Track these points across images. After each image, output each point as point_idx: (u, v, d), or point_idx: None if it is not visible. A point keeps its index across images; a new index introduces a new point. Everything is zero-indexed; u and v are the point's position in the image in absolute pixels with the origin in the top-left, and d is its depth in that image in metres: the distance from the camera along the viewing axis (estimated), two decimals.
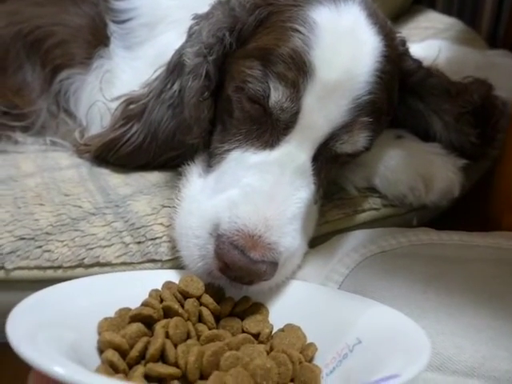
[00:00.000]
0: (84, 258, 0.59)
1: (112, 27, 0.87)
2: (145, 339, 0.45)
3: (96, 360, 0.44)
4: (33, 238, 0.60)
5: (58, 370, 0.35)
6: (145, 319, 0.48)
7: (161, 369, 0.43)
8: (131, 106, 0.74)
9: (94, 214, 0.64)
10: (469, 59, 0.95)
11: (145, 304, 0.50)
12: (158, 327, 0.46)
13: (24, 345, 0.38)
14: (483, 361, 0.47)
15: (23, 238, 0.60)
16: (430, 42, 1.02)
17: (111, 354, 0.43)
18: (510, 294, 0.53)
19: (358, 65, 0.57)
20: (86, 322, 0.46)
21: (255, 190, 0.55)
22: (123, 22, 0.87)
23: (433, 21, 1.26)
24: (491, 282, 0.55)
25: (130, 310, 0.49)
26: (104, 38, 0.87)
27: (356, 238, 0.63)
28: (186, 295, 0.52)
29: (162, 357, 0.45)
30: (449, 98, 0.69)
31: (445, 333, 0.49)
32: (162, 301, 0.51)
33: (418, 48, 0.91)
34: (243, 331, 0.51)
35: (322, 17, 0.57)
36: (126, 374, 0.43)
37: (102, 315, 0.48)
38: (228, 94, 0.62)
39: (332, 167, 0.62)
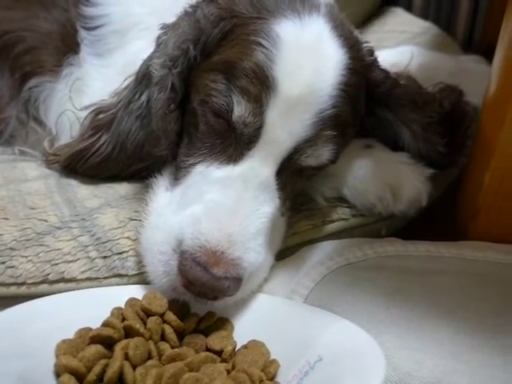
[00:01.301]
0: (48, 274, 0.59)
1: (82, 34, 0.86)
2: (103, 362, 0.45)
3: None
4: None
5: None
6: (105, 340, 0.47)
7: None
8: (100, 116, 0.73)
9: (59, 228, 0.64)
10: (441, 65, 0.95)
11: (105, 324, 0.49)
12: (118, 348, 0.46)
13: None
14: (442, 376, 0.47)
15: None
16: (403, 48, 1.02)
17: (67, 379, 0.43)
18: (473, 306, 0.54)
19: (321, 79, 0.57)
20: (44, 346, 0.46)
21: (218, 205, 0.55)
22: (94, 28, 0.86)
23: (409, 24, 1.26)
24: (455, 294, 0.56)
25: (90, 329, 0.49)
26: (74, 45, 0.85)
27: (323, 249, 0.64)
28: (148, 313, 0.52)
29: (121, 379, 0.44)
30: (416, 108, 0.69)
31: (405, 348, 0.50)
32: (124, 319, 0.51)
33: (390, 54, 0.91)
34: (207, 348, 0.51)
35: (285, 30, 0.57)
36: None
37: (61, 337, 0.48)
38: (193, 106, 0.61)
39: (297, 180, 0.62)
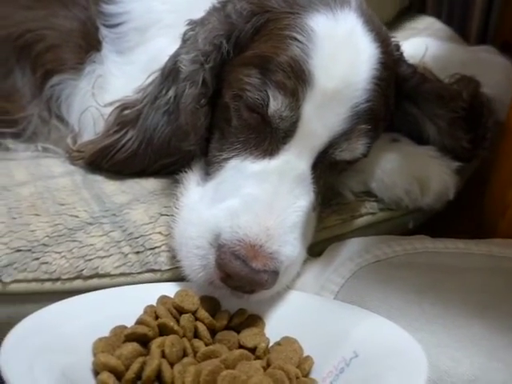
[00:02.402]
0: (82, 270, 0.59)
1: (103, 31, 0.86)
2: (141, 359, 0.45)
3: (92, 382, 0.44)
4: (29, 250, 0.60)
5: None
6: (140, 338, 0.48)
7: None
8: (125, 112, 0.73)
9: (91, 224, 0.64)
10: (454, 56, 0.96)
11: (139, 322, 0.49)
12: (154, 346, 0.46)
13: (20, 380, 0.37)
14: (479, 373, 0.47)
15: (20, 250, 0.60)
16: (416, 39, 1.02)
17: (106, 377, 0.43)
18: (504, 304, 0.54)
19: (355, 72, 0.58)
20: (81, 344, 0.46)
21: (255, 199, 0.55)
22: (115, 26, 0.86)
23: (413, 21, 1.27)
24: (485, 291, 0.56)
25: (125, 327, 0.49)
26: (96, 43, 0.86)
27: (351, 246, 0.64)
28: (181, 310, 0.52)
29: (158, 377, 0.45)
30: (442, 104, 0.69)
31: (440, 345, 0.50)
32: (157, 317, 0.51)
33: (404, 47, 0.91)
34: (240, 345, 0.51)
35: (319, 25, 0.57)
36: None
37: (97, 335, 0.48)
38: (226, 101, 0.61)
39: (331, 174, 0.63)
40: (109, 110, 0.75)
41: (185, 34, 0.68)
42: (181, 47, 0.68)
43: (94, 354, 0.46)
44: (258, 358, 0.50)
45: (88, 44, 0.85)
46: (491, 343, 0.50)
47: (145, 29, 0.84)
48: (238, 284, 0.52)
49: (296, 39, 0.57)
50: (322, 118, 0.56)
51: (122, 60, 0.84)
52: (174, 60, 0.67)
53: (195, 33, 0.66)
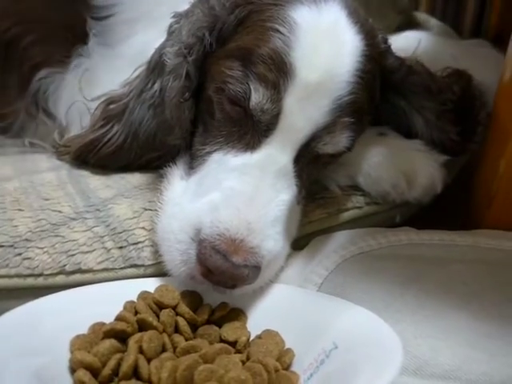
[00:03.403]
0: (65, 265, 0.58)
1: (91, 24, 0.85)
2: (118, 356, 0.45)
3: (69, 381, 0.44)
4: (12, 246, 0.59)
5: None
6: (119, 334, 0.47)
7: None
8: (111, 106, 0.73)
9: (74, 219, 0.63)
10: (446, 49, 0.95)
11: (119, 318, 0.49)
12: (132, 342, 0.46)
13: None
14: (460, 363, 0.47)
15: (2, 246, 0.59)
16: (409, 33, 1.02)
17: (82, 374, 0.42)
18: (489, 294, 0.54)
19: (338, 65, 0.57)
20: (59, 342, 0.46)
21: (237, 193, 0.54)
22: (103, 18, 0.85)
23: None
24: (469, 282, 0.56)
25: (103, 324, 0.49)
26: (83, 36, 0.85)
27: (336, 239, 0.63)
28: (161, 306, 0.52)
29: (136, 373, 0.44)
30: (430, 96, 0.69)
31: (422, 336, 0.49)
32: (136, 313, 0.50)
33: (397, 40, 0.91)
34: (221, 339, 0.51)
35: (302, 16, 0.57)
36: None
37: (75, 333, 0.47)
38: (209, 94, 0.61)
39: (314, 168, 0.62)
40: (95, 104, 0.75)
41: (170, 26, 0.67)
42: (166, 40, 0.67)
43: (71, 352, 0.46)
44: (238, 351, 0.50)
45: (75, 37, 0.85)
46: (474, 333, 0.50)
47: (133, 21, 0.83)
48: (219, 279, 0.52)
49: (278, 31, 0.56)
50: (304, 110, 0.56)
51: (110, 53, 0.83)
52: (160, 53, 0.67)
53: (180, 25, 0.65)
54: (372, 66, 0.61)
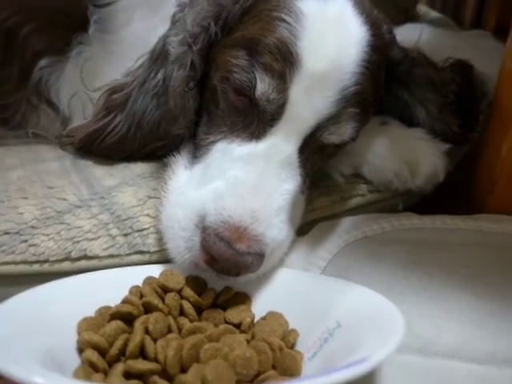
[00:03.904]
0: (71, 252, 0.59)
1: (92, 11, 0.84)
2: (124, 336, 0.45)
3: (77, 361, 0.44)
4: (18, 233, 0.60)
5: (37, 380, 0.35)
6: (125, 316, 0.48)
7: (140, 365, 0.43)
8: (114, 96, 0.72)
9: (79, 207, 0.64)
10: (447, 40, 0.96)
11: (125, 301, 0.50)
12: (138, 323, 0.46)
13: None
14: (463, 342, 0.48)
15: (8, 233, 0.60)
16: (410, 25, 1.02)
17: (90, 354, 0.43)
18: (491, 275, 0.55)
19: (344, 55, 0.57)
20: (66, 325, 0.46)
21: (241, 181, 0.54)
22: (104, 5, 0.84)
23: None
24: (472, 264, 0.57)
25: (110, 308, 0.49)
26: (84, 23, 0.84)
27: (339, 224, 0.64)
28: (166, 289, 0.52)
29: (142, 353, 0.45)
30: (433, 88, 0.69)
31: (425, 316, 0.50)
32: (142, 297, 0.51)
33: (399, 31, 0.91)
34: (225, 322, 0.52)
35: (308, 6, 0.57)
36: (106, 373, 0.43)
37: (82, 316, 0.48)
38: (213, 83, 0.61)
39: (318, 158, 0.62)
40: (98, 94, 0.75)
41: (174, 15, 0.67)
42: (170, 29, 0.67)
43: (79, 333, 0.46)
44: (243, 332, 0.51)
45: (75, 24, 0.84)
46: (477, 313, 0.50)
47: (134, 8, 0.82)
48: (222, 266, 0.52)
49: (284, 20, 0.56)
50: (309, 100, 0.56)
51: (110, 40, 0.82)
52: (163, 42, 0.67)
53: (184, 14, 0.65)
54: (377, 57, 0.61)
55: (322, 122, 0.57)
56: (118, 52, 0.81)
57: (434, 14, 1.30)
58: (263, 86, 0.55)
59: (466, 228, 0.62)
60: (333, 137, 0.59)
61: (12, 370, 0.35)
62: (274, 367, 0.46)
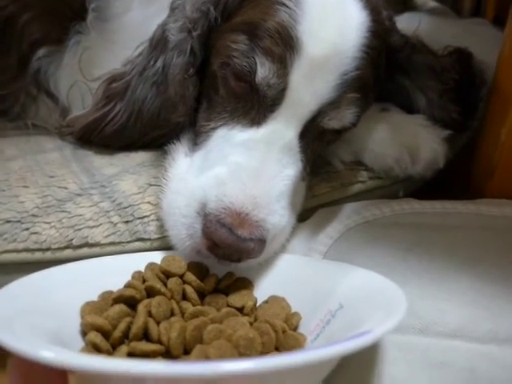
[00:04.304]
0: (72, 239, 0.59)
1: None
2: (127, 319, 0.45)
3: (80, 344, 0.45)
4: (19, 221, 0.60)
5: (45, 354, 0.34)
6: (127, 300, 0.48)
7: (144, 346, 0.43)
8: (114, 84, 0.72)
9: (80, 195, 0.64)
10: (446, 28, 0.95)
11: (127, 286, 0.50)
12: (141, 307, 0.46)
13: (3, 331, 0.37)
14: (466, 322, 0.48)
15: (9, 221, 0.60)
16: (409, 14, 1.02)
17: (94, 336, 0.43)
18: (492, 257, 0.55)
19: (345, 40, 0.57)
20: (69, 308, 0.46)
21: (242, 167, 0.54)
22: None
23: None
24: (473, 246, 0.57)
25: (112, 292, 0.49)
26: (81, 11, 0.83)
27: (340, 210, 0.64)
28: (168, 274, 0.52)
29: (146, 336, 0.45)
30: (433, 75, 0.69)
31: (427, 297, 0.51)
32: (144, 281, 0.51)
33: (397, 20, 0.91)
34: (228, 306, 0.52)
35: None
36: (110, 355, 0.43)
37: (85, 300, 0.48)
38: (213, 69, 0.61)
39: (319, 144, 0.62)
40: (97, 84, 0.74)
41: (173, 2, 0.67)
42: (169, 16, 0.67)
43: (82, 317, 0.46)
44: (245, 315, 0.51)
45: (74, 12, 0.83)
46: (478, 294, 0.51)
47: None
48: (224, 252, 0.52)
49: (284, 4, 0.56)
50: (310, 85, 0.56)
51: (108, 28, 0.82)
52: (162, 29, 0.66)
53: (183, 1, 0.65)
54: (378, 43, 0.61)
55: (322, 107, 0.57)
56: (116, 40, 0.80)
57: (432, 3, 1.30)
58: (263, 70, 0.55)
59: (467, 212, 0.62)
60: (333, 122, 0.59)
61: (20, 346, 0.35)
62: (277, 349, 0.46)
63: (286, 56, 0.55)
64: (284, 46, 0.55)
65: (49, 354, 0.34)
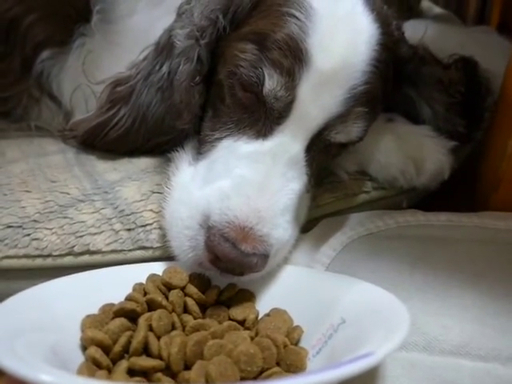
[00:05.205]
0: (74, 246, 0.59)
1: (94, 0, 0.82)
2: (128, 333, 0.45)
3: (80, 358, 0.44)
4: (20, 226, 0.59)
5: (44, 377, 0.34)
6: (128, 313, 0.48)
7: (143, 362, 0.43)
8: (118, 88, 0.71)
9: (82, 201, 0.63)
10: (452, 37, 0.95)
11: (128, 298, 0.49)
12: (142, 320, 0.46)
13: (3, 353, 0.36)
14: (469, 339, 0.48)
15: (10, 226, 0.59)
16: (415, 21, 1.02)
17: (94, 351, 0.43)
18: (496, 273, 0.55)
19: (354, 54, 0.56)
20: (70, 322, 0.46)
21: (247, 181, 0.54)
22: None
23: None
24: (477, 261, 0.57)
25: (113, 305, 0.49)
26: (86, 13, 0.83)
27: (343, 221, 0.64)
28: (169, 287, 0.52)
29: (146, 350, 0.45)
30: (441, 88, 0.69)
31: (431, 313, 0.50)
32: (145, 294, 0.51)
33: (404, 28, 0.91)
34: (230, 319, 0.52)
35: (318, 2, 0.56)
36: (110, 370, 0.43)
37: (86, 313, 0.48)
38: (220, 78, 0.60)
39: (325, 157, 0.62)
40: (101, 87, 0.74)
41: (180, 7, 0.66)
42: (175, 21, 0.66)
43: (82, 331, 0.46)
44: (247, 329, 0.51)
45: (78, 14, 0.82)
46: (482, 310, 0.50)
47: None
48: (227, 266, 0.52)
49: (294, 16, 0.55)
50: (318, 99, 0.55)
51: (113, 30, 0.81)
52: (169, 34, 0.66)
53: (191, 6, 0.64)
54: (387, 55, 0.60)
55: (329, 121, 0.56)
56: (120, 43, 0.80)
57: (437, 9, 1.30)
58: (271, 82, 0.54)
59: (471, 225, 0.62)
60: (340, 136, 0.58)
61: (17, 368, 0.34)
62: (278, 364, 0.46)
63: (295, 69, 0.54)
64: (293, 59, 0.54)
65: (48, 378, 0.34)
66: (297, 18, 0.55)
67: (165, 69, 0.66)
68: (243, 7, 0.59)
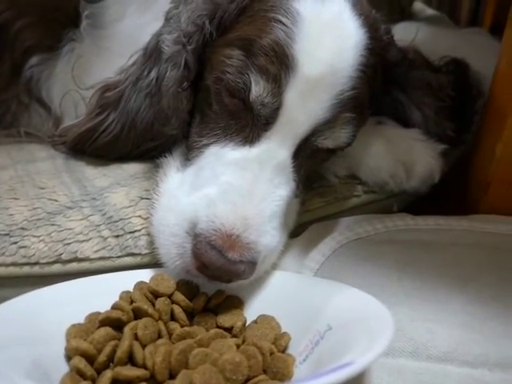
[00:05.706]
0: (61, 254, 0.58)
1: (84, 6, 0.83)
2: (113, 343, 0.45)
3: (65, 368, 0.44)
4: (7, 234, 0.59)
5: None
6: (114, 322, 0.47)
7: (127, 372, 0.42)
8: (107, 94, 0.71)
9: (70, 208, 0.63)
10: (444, 38, 0.95)
11: (114, 307, 0.49)
12: (127, 329, 0.46)
13: None
14: (456, 345, 0.48)
15: None
16: (406, 24, 1.02)
17: (78, 361, 0.42)
18: (484, 277, 0.55)
19: (341, 59, 0.56)
20: (56, 331, 0.46)
21: (234, 188, 0.53)
22: (96, 0, 0.83)
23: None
24: (465, 266, 0.57)
25: (99, 314, 0.49)
26: (74, 18, 0.82)
27: (333, 225, 0.64)
28: (156, 294, 0.52)
29: (131, 359, 0.44)
30: (430, 92, 0.69)
31: (418, 319, 0.50)
32: (132, 302, 0.50)
33: (395, 30, 0.91)
34: (217, 326, 0.51)
35: (305, 7, 0.55)
36: (94, 380, 0.43)
37: (72, 322, 0.47)
38: (207, 84, 0.60)
39: (312, 162, 0.61)
40: (90, 93, 0.74)
41: (168, 12, 0.66)
42: (164, 26, 0.66)
43: (67, 340, 0.46)
44: (234, 336, 0.50)
45: (67, 20, 0.82)
46: (470, 316, 0.50)
47: (126, 4, 0.81)
48: (214, 273, 0.52)
49: (281, 22, 0.55)
50: (304, 105, 0.55)
51: (102, 35, 0.81)
52: (157, 39, 0.66)
53: (179, 11, 0.64)
54: (375, 60, 0.60)
55: (317, 127, 0.56)
56: (109, 47, 0.79)
57: (429, 11, 1.30)
58: (258, 89, 0.54)
59: (460, 228, 0.62)
60: (328, 141, 0.58)
61: None
62: (265, 371, 0.45)
63: (281, 75, 0.54)
64: (279, 65, 0.54)
65: None
66: (283, 23, 0.55)
67: (153, 74, 0.66)
68: (230, 13, 0.59)
